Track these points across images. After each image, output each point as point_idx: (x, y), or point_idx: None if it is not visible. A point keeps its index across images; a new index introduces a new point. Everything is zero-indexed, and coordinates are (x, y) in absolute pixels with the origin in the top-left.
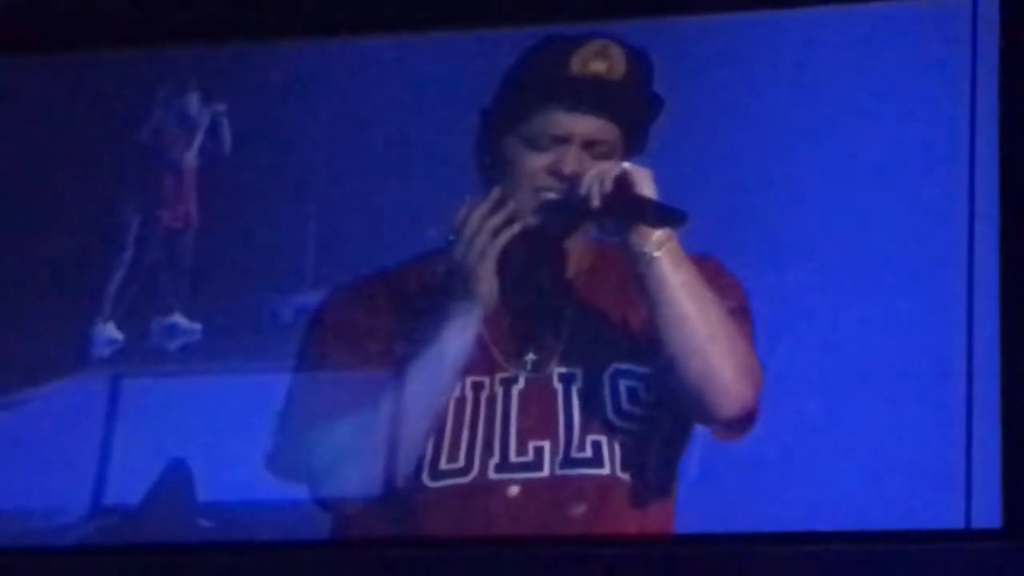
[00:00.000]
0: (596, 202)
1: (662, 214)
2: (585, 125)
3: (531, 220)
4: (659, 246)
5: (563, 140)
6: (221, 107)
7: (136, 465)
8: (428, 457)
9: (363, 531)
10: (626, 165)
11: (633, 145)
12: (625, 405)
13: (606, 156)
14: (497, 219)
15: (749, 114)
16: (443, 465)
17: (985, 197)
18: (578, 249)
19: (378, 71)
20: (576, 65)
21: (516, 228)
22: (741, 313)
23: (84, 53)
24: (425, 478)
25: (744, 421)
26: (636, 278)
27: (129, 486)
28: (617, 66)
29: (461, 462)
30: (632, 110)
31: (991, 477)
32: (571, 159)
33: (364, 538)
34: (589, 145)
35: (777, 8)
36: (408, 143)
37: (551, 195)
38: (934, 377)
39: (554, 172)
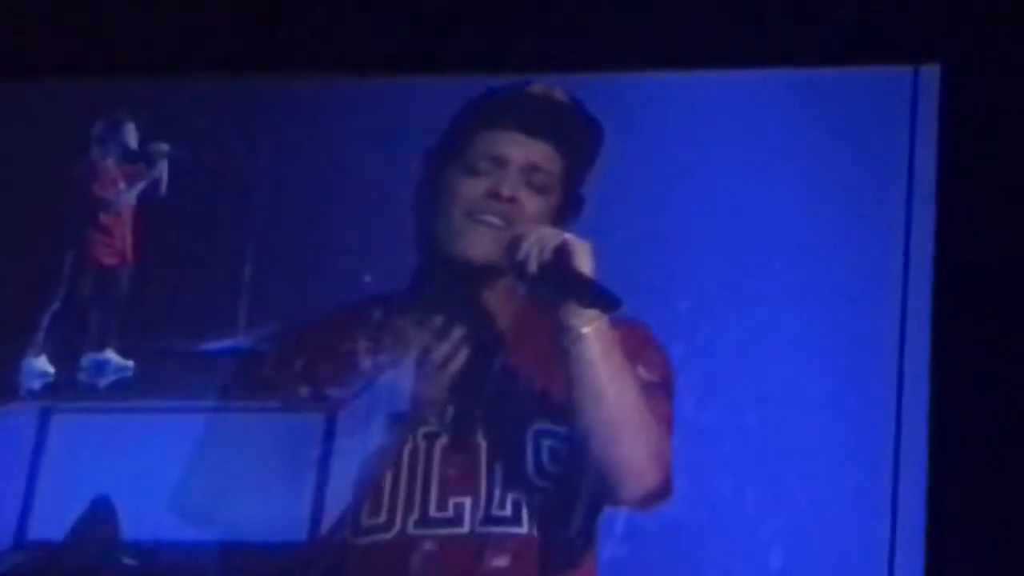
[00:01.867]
0: (533, 268)
1: (597, 297)
2: (525, 148)
3: (463, 247)
4: (588, 323)
5: (502, 163)
6: (163, 146)
7: (62, 500)
8: (354, 511)
9: None
10: (567, 236)
11: (572, 192)
12: (547, 465)
13: (544, 189)
14: (446, 347)
15: (686, 174)
16: (365, 521)
17: (920, 264)
18: (506, 300)
19: (321, 113)
20: (519, 91)
21: (463, 355)
22: (662, 388)
23: (23, 81)
24: (349, 533)
25: (648, 502)
26: (561, 349)
27: (54, 521)
28: (561, 93)
29: (383, 517)
30: (574, 135)
31: (915, 546)
32: (509, 182)
33: None
34: (528, 171)
35: (722, 68)
36: (348, 187)
37: (487, 218)
38: (863, 444)
39: (492, 195)
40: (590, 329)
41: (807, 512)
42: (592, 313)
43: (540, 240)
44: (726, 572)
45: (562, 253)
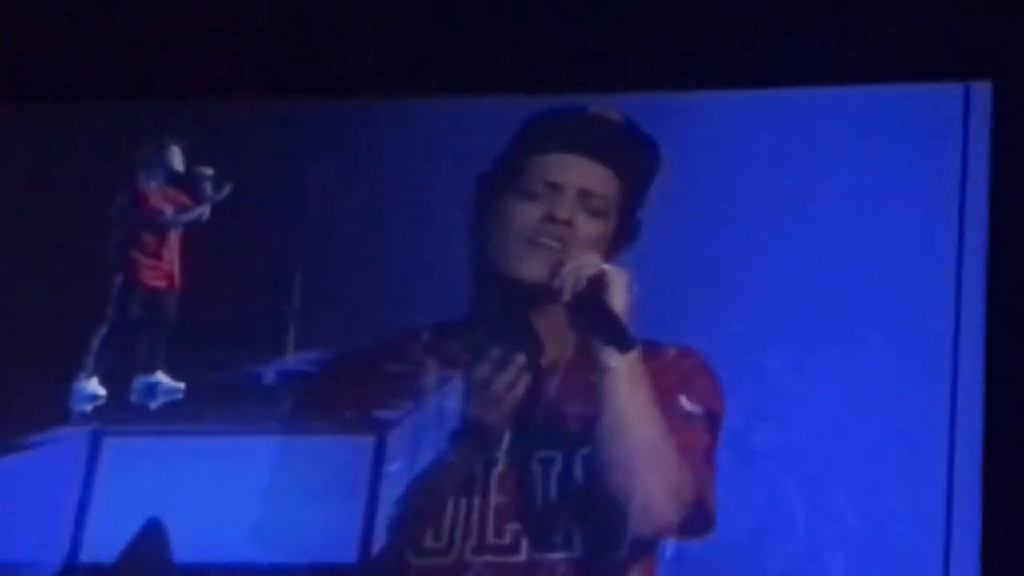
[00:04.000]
0: (567, 297)
1: (614, 336)
2: (582, 170)
3: (519, 269)
4: (617, 357)
5: (558, 187)
6: (208, 171)
7: (113, 523)
8: (413, 532)
9: None
10: (605, 267)
11: (629, 216)
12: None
13: (601, 212)
14: (508, 377)
15: (739, 195)
16: (428, 543)
17: (972, 281)
18: (559, 325)
19: (372, 136)
20: (575, 113)
21: (523, 385)
22: (705, 419)
23: (71, 106)
24: (410, 554)
25: (671, 535)
26: (591, 380)
27: (106, 543)
28: (617, 115)
29: (443, 541)
30: (630, 157)
31: (969, 561)
32: (565, 205)
33: None
34: (585, 195)
35: (775, 87)
36: (400, 210)
37: (544, 242)
38: (915, 453)
39: (548, 218)
40: (618, 363)
41: (858, 533)
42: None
43: (577, 269)
44: None
45: (597, 284)
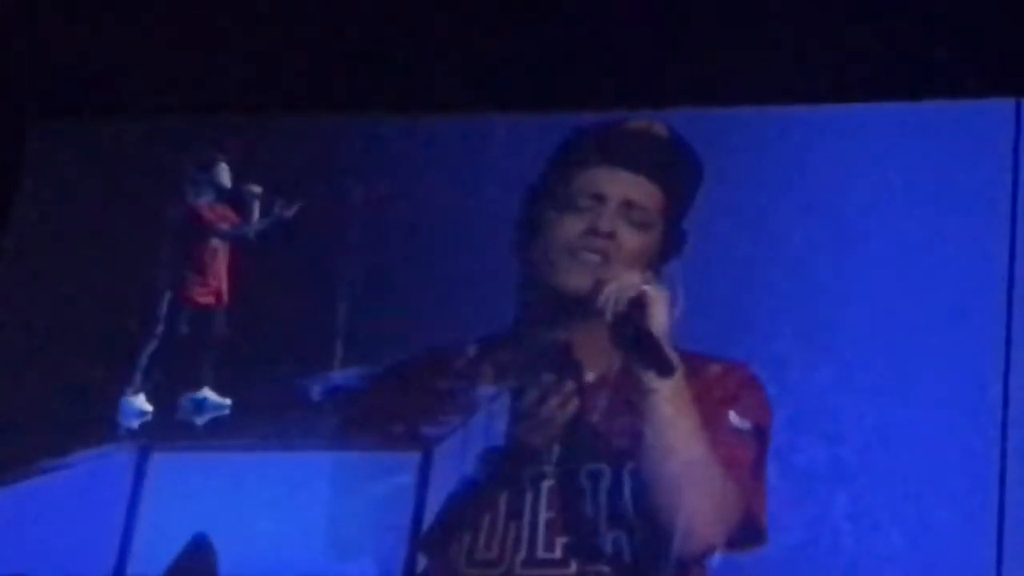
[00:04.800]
0: (608, 318)
1: (654, 360)
2: (625, 183)
3: (563, 282)
4: (658, 379)
5: (601, 199)
6: (256, 188)
7: (159, 538)
8: (464, 543)
9: None
10: (646, 288)
11: (673, 228)
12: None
13: (644, 225)
14: (559, 398)
15: (785, 210)
16: (480, 554)
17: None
18: (603, 347)
19: (417, 152)
20: (618, 126)
21: (573, 405)
22: (753, 435)
23: (118, 122)
24: (463, 563)
25: (703, 556)
26: (632, 400)
27: (153, 559)
28: (661, 128)
29: (495, 552)
30: (674, 170)
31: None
32: (608, 217)
33: None
34: (628, 208)
35: (822, 103)
36: (444, 226)
37: (587, 255)
38: (965, 470)
39: (591, 231)
40: (660, 385)
41: (907, 549)
42: None
43: (619, 290)
44: None
45: (637, 306)
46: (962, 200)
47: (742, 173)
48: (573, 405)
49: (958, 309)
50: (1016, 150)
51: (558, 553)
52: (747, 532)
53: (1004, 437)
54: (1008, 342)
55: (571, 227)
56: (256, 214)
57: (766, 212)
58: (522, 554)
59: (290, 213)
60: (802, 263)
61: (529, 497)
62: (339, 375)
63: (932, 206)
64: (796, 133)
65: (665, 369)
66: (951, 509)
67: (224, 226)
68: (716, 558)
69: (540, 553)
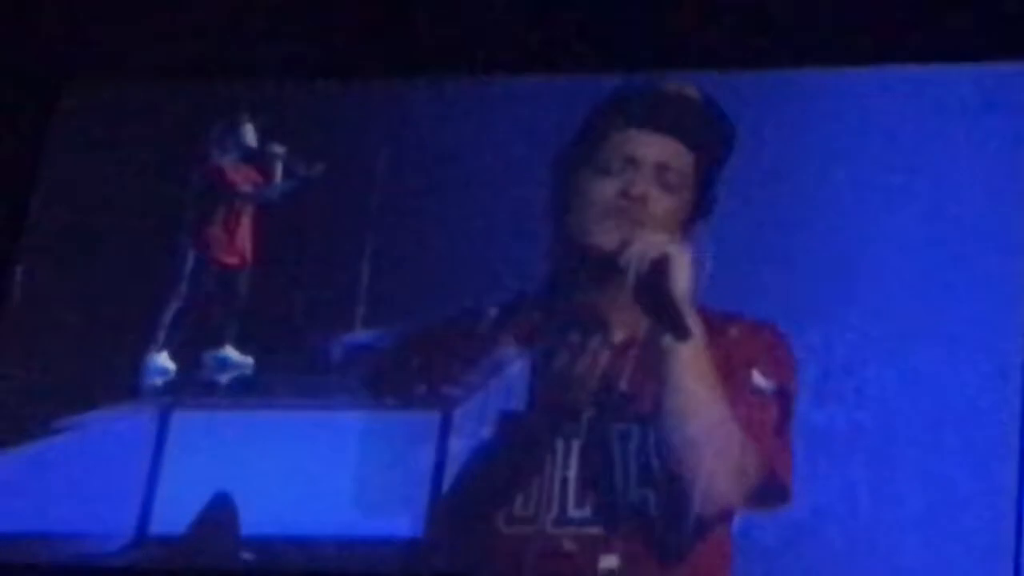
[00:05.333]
0: (631, 279)
1: (670, 323)
2: (658, 146)
3: (595, 244)
4: (678, 342)
5: (634, 162)
6: (280, 148)
7: (182, 495)
8: (502, 502)
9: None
10: (668, 250)
11: (703, 192)
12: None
13: (676, 188)
14: (586, 362)
15: (813, 172)
16: (518, 511)
17: None
18: (630, 308)
19: (441, 115)
20: (652, 89)
21: (602, 366)
22: (777, 396)
23: (144, 84)
24: (502, 522)
25: (723, 515)
26: (653, 361)
27: (175, 516)
28: (693, 91)
29: (531, 511)
30: (706, 133)
31: None
32: (641, 181)
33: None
34: (661, 170)
35: (853, 65)
36: (469, 189)
37: (619, 218)
38: (986, 437)
39: (623, 195)
40: (678, 347)
41: (929, 513)
42: None
43: (642, 251)
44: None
45: (659, 267)
46: (987, 162)
47: (772, 136)
48: (603, 366)
49: (982, 272)
50: None
51: (588, 511)
52: (770, 491)
53: None
54: None
55: (604, 190)
56: (280, 175)
57: (794, 174)
58: (553, 512)
59: (314, 174)
60: (827, 225)
61: (560, 457)
62: (362, 335)
63: (958, 169)
64: (825, 96)
65: (681, 332)
66: (971, 475)
67: (248, 187)
68: (738, 517)
69: (571, 512)
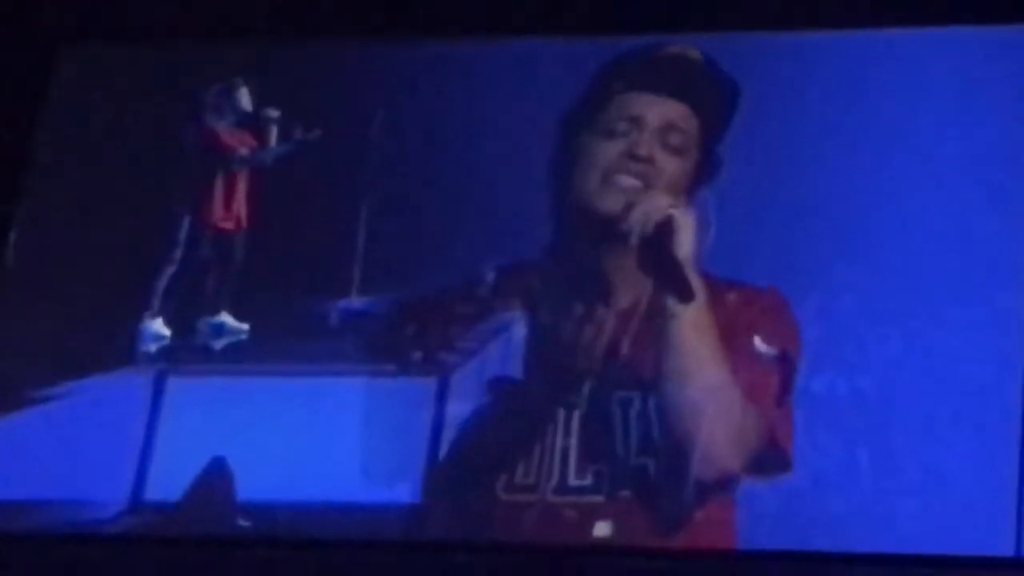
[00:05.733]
0: (634, 241)
1: (674, 285)
2: (662, 108)
3: (601, 207)
4: (682, 304)
5: (639, 124)
6: (274, 112)
7: (177, 462)
8: (497, 469)
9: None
10: (672, 212)
11: (708, 153)
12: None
13: (681, 150)
14: (592, 329)
15: (815, 133)
16: (519, 479)
17: None
18: (634, 273)
19: (438, 77)
20: (655, 51)
21: (607, 334)
22: (779, 361)
23: (138, 47)
24: (502, 489)
25: (723, 480)
26: (656, 325)
27: (170, 483)
28: (696, 53)
29: (531, 479)
30: (709, 95)
31: None
32: (645, 142)
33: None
34: (665, 131)
35: (856, 28)
36: (468, 152)
37: (625, 179)
38: (989, 405)
39: (629, 156)
40: (681, 310)
41: (929, 481)
42: None
43: (646, 212)
44: (854, 529)
45: (663, 229)
46: (993, 128)
47: (775, 98)
48: (608, 333)
49: (984, 241)
50: None
51: (589, 480)
52: (771, 458)
53: None
54: None
55: (608, 151)
56: (274, 139)
57: (796, 137)
58: (554, 481)
59: (309, 138)
60: (828, 190)
61: (562, 424)
62: (358, 301)
63: (964, 134)
64: (829, 58)
65: (685, 294)
66: (971, 444)
67: (243, 151)
68: (741, 484)
69: (572, 480)
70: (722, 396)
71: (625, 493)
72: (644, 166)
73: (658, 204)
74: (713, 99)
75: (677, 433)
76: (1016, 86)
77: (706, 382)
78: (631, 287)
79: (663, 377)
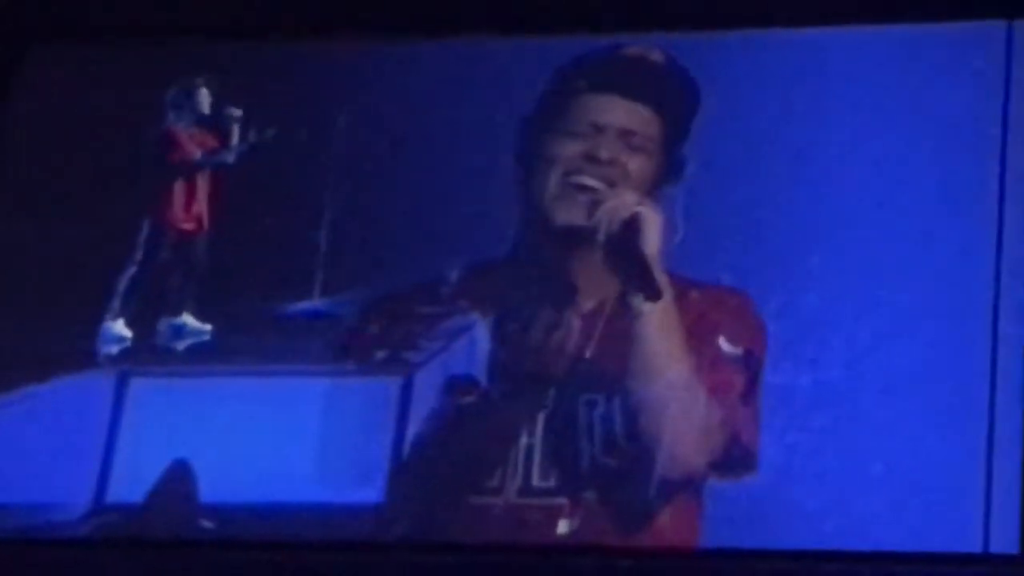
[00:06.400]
0: (601, 238)
1: (641, 283)
2: (623, 111)
3: (562, 210)
4: (648, 303)
5: (600, 127)
6: (236, 112)
7: (140, 463)
8: (461, 470)
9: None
10: (639, 210)
11: (671, 154)
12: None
13: (643, 150)
14: (559, 333)
15: (780, 134)
16: (484, 482)
17: (1015, 220)
18: (599, 275)
19: (401, 76)
20: (617, 52)
21: (573, 339)
22: (744, 361)
23: (99, 46)
24: (468, 491)
25: (688, 480)
26: (622, 325)
27: (132, 484)
28: (657, 54)
29: (495, 481)
30: (672, 95)
31: (1010, 502)
32: (607, 145)
33: (367, 542)
34: (627, 135)
35: (815, 25)
36: (431, 152)
37: (587, 181)
38: (955, 399)
39: (589, 157)
40: (649, 309)
41: (897, 476)
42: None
43: (612, 210)
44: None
45: (630, 227)
46: (952, 125)
47: (735, 98)
48: (574, 335)
49: (946, 234)
50: (1008, 73)
51: (552, 482)
52: (736, 457)
53: (993, 365)
54: (998, 265)
55: (569, 153)
56: (236, 139)
57: (755, 137)
58: (518, 482)
59: (267, 138)
60: (791, 187)
61: (526, 426)
62: (321, 301)
63: (922, 131)
64: (789, 57)
65: (652, 292)
66: (938, 437)
67: (203, 152)
68: (707, 483)
69: (535, 481)
70: (686, 395)
71: (589, 494)
72: (607, 168)
73: (624, 201)
74: (675, 101)
75: (642, 431)
76: (977, 81)
77: (670, 380)
78: (596, 288)
79: (628, 375)
